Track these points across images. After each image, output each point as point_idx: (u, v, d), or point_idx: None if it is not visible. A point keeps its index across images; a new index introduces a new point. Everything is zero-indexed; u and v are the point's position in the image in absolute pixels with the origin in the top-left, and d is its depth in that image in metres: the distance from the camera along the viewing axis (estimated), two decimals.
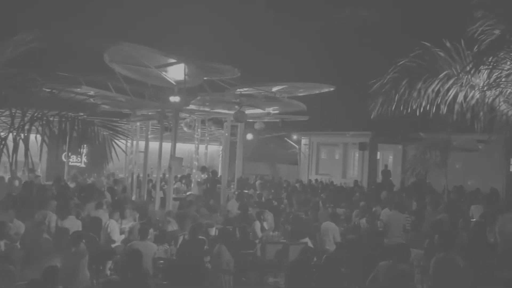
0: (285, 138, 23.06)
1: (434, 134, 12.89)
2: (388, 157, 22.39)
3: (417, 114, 8.26)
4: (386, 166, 20.41)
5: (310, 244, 8.59)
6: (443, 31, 8.41)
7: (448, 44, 7.91)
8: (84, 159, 19.48)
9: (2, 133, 4.74)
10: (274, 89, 12.23)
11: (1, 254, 6.11)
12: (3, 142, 4.62)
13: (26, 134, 4.64)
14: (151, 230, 8.25)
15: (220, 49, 18.98)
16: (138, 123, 14.29)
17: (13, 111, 4.69)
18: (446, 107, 7.96)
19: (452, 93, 7.83)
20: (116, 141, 5.24)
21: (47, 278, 5.36)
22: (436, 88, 7.87)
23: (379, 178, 20.52)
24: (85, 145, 5.38)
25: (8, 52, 5.03)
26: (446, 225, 8.84)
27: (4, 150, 4.73)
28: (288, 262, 7.34)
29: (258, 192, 13.68)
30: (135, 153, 14.80)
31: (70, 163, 18.41)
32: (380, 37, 20.08)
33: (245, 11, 20.90)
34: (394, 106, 7.98)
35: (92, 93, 11.28)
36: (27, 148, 4.56)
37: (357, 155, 21.94)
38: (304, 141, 23.67)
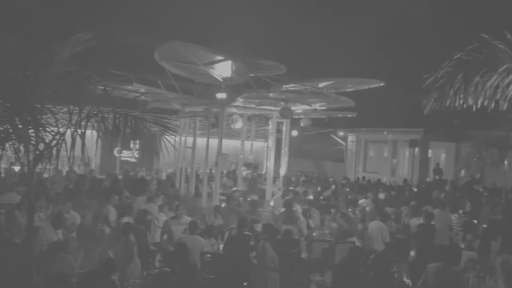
0: (331, 135, 22.72)
1: (491, 131, 12.20)
2: (440, 155, 21.46)
3: (473, 110, 7.82)
4: (438, 164, 19.58)
5: (357, 243, 8.43)
6: (503, 23, 7.88)
7: (509, 36, 7.42)
8: (135, 154, 20.18)
9: (61, 129, 4.98)
10: (321, 85, 12.04)
11: (58, 243, 6.43)
12: (62, 138, 4.85)
13: (83, 130, 4.85)
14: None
15: (266, 45, 18.96)
16: (186, 119, 14.59)
17: (71, 108, 4.92)
18: (506, 103, 7.46)
19: None
20: (166, 137, 5.35)
21: (104, 269, 5.59)
22: (495, 83, 7.39)
23: (430, 177, 19.76)
24: (136, 141, 5.55)
25: (66, 52, 5.27)
26: (506, 227, 8.35)
27: (62, 145, 4.97)
28: (335, 261, 7.22)
29: (303, 189, 13.56)
30: (183, 149, 15.13)
31: (121, 158, 19.14)
32: (434, 30, 19.23)
33: (291, 5, 20.73)
34: (448, 102, 7.58)
35: (142, 90, 11.63)
36: (83, 143, 4.77)
37: (407, 152, 21.22)
38: (351, 138, 23.21)
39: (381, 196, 13.17)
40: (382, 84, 12.44)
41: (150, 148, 5.34)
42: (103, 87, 7.58)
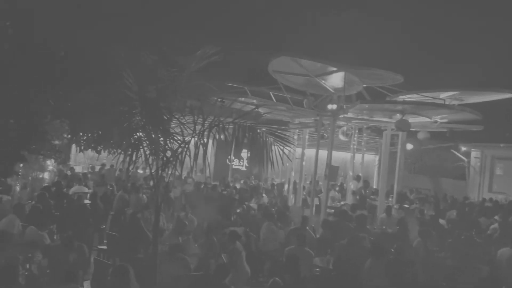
0: (452, 150, 20.88)
1: None
2: None
3: None
4: None
5: (483, 270, 7.56)
6: None
7: None
8: (245, 163, 20.91)
9: (186, 138, 5.35)
10: (443, 95, 11.17)
11: (179, 245, 6.87)
12: (186, 146, 5.20)
13: (205, 140, 5.13)
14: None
15: (381, 54, 18.27)
16: (295, 130, 14.69)
17: (196, 118, 5.25)
18: None
19: None
20: (281, 148, 5.40)
21: (218, 273, 5.82)
22: None
23: None
24: (247, 150, 5.74)
25: (192, 66, 5.65)
26: None
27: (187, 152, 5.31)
28: None
29: (420, 208, 12.64)
30: (293, 160, 15.22)
31: (233, 167, 19.97)
32: None
33: (407, 13, 19.72)
34: None
35: (255, 101, 12.00)
36: (205, 152, 5.04)
37: None
38: (474, 153, 21.06)
39: None
40: None
41: (261, 158, 5.43)
42: (220, 99, 8.00)
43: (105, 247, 8.43)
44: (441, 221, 11.01)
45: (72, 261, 6.30)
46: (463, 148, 20.97)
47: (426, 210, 12.85)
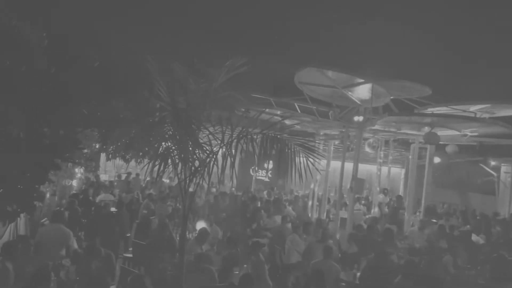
0: (481, 164, 20.30)
1: None
2: None
3: None
4: None
5: None
6: None
7: None
8: (268, 174, 20.87)
9: (214, 148, 5.38)
10: (473, 108, 10.90)
11: (204, 255, 6.86)
12: (214, 156, 5.23)
13: (233, 150, 5.14)
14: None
15: (409, 65, 18.04)
16: (321, 143, 14.58)
17: (224, 129, 5.28)
18: None
19: None
20: (310, 159, 5.35)
21: (243, 283, 5.78)
22: None
23: None
24: (269, 161, 5.70)
25: (220, 77, 5.69)
26: None
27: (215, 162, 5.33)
28: None
29: (449, 224, 12.29)
30: (320, 171, 15.09)
31: (256, 177, 19.95)
32: None
33: (436, 23, 19.45)
34: None
35: (279, 112, 11.98)
36: (233, 162, 5.05)
37: None
38: (505, 168, 20.40)
39: None
40: None
41: (287, 169, 5.39)
42: (246, 110, 8.04)
43: (130, 255, 8.49)
44: (474, 237, 10.67)
45: (99, 268, 6.38)
46: (493, 163, 20.34)
47: (455, 225, 12.50)
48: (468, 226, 13.00)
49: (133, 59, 6.71)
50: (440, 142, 12.02)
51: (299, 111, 12.60)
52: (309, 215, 13.66)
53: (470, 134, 11.47)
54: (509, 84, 16.46)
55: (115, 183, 15.66)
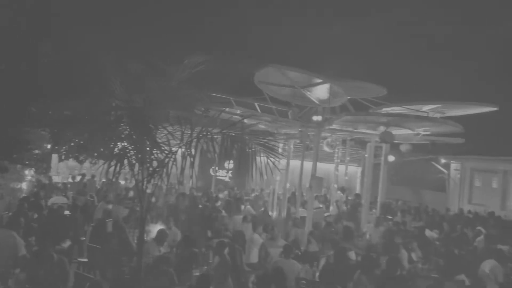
0: (432, 162, 21.21)
1: None
2: None
3: None
4: None
5: (467, 282, 7.63)
6: None
7: None
8: (229, 173, 20.76)
9: (173, 148, 5.25)
10: (425, 108, 11.35)
11: (163, 258, 6.70)
12: (173, 156, 5.11)
13: (192, 150, 5.05)
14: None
15: (365, 66, 18.54)
16: (281, 142, 14.67)
17: (183, 128, 5.17)
18: None
19: None
20: (270, 158, 5.35)
21: (200, 284, 5.69)
22: None
23: None
24: (230, 161, 5.66)
25: (179, 76, 5.58)
26: None
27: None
28: None
29: (402, 220, 12.74)
30: (280, 170, 15.17)
31: (217, 177, 19.80)
32: None
33: (391, 26, 20.11)
34: None
35: (239, 112, 11.95)
36: (193, 163, 4.95)
37: None
38: (454, 166, 21.44)
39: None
40: (495, 109, 11.37)
41: (248, 168, 5.37)
42: (205, 109, 7.93)
43: (85, 260, 8.19)
44: (428, 232, 11.10)
45: (51, 274, 6.08)
46: (443, 160, 21.32)
47: (408, 221, 12.95)
48: (422, 222, 13.53)
49: (88, 56, 6.43)
50: (395, 141, 12.43)
51: (259, 111, 12.63)
52: (269, 214, 13.71)
53: (422, 133, 11.93)
54: (459, 85, 17.29)
55: (69, 185, 15.04)
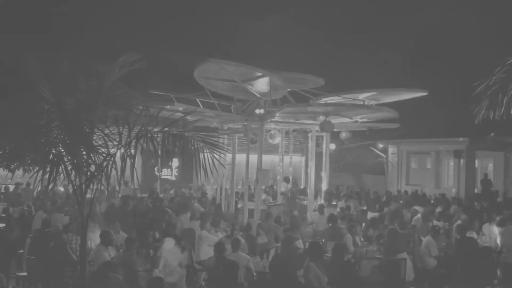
0: (371, 147, 22.19)
1: None
2: (488, 165, 20.49)
3: None
4: (486, 175, 18.68)
5: (408, 259, 8.10)
6: None
7: None
8: (174, 172, 20.42)
9: (111, 150, 5.06)
10: (361, 96, 11.83)
11: (109, 263, 6.47)
12: (112, 159, 4.92)
13: (132, 151, 4.90)
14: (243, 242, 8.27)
15: (303, 58, 18.92)
16: (225, 137, 14.65)
17: (121, 129, 4.99)
18: None
19: None
20: (213, 154, 5.32)
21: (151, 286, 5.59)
22: None
23: (478, 188, 18.84)
24: (175, 159, 5.59)
25: (114, 74, 5.38)
26: None
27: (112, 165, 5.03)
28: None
29: (346, 205, 13.23)
30: (224, 166, 15.13)
31: (162, 177, 19.39)
32: (484, 36, 18.45)
33: (326, 18, 20.68)
34: (502, 110, 7.22)
35: (181, 109, 11.77)
36: (133, 164, 4.81)
37: (451, 163, 20.39)
38: (391, 149, 22.57)
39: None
40: (425, 94, 12.08)
41: (190, 166, 5.32)
42: (144, 108, 7.72)
43: (25, 274, 7.74)
44: (370, 215, 11.59)
45: None
46: (381, 145, 22.38)
47: (352, 206, 13.48)
48: (364, 206, 14.12)
49: (13, 58, 6.02)
50: (335, 130, 12.85)
51: (201, 107, 12.52)
52: (219, 210, 13.66)
53: (360, 120, 12.44)
54: (392, 72, 18.15)
55: (1, 196, 14.08)
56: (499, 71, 7.25)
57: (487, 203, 14.59)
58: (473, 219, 10.92)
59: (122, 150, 4.98)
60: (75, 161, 4.94)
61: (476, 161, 19.66)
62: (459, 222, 10.58)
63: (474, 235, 9.54)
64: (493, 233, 9.99)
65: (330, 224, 9.93)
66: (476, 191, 18.83)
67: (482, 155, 19.64)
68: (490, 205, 14.26)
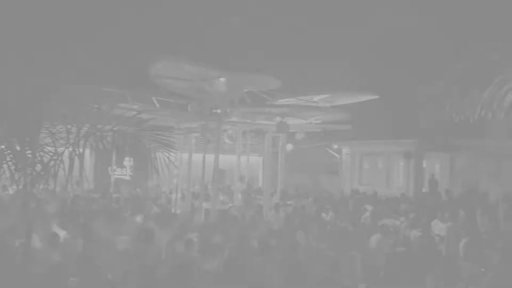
0: (326, 148, 22.72)
1: (487, 141, 12.25)
2: (434, 165, 21.55)
3: (471, 120, 7.85)
4: (433, 175, 19.64)
5: (358, 256, 8.36)
6: (497, 33, 8.01)
7: (502, 46, 7.51)
8: (129, 172, 19.95)
9: (59, 149, 4.88)
10: (316, 98, 12.08)
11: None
12: (60, 158, 4.75)
13: (81, 150, 4.75)
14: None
15: (260, 59, 19.04)
16: (181, 136, 14.49)
17: (69, 127, 4.82)
18: (503, 113, 7.51)
19: (510, 98, 7.40)
20: (164, 154, 5.25)
21: None
22: (492, 93, 7.46)
23: (426, 188, 19.77)
24: (130, 158, 5.47)
25: (63, 70, 5.19)
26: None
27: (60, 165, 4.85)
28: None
29: (301, 204, 13.48)
30: (179, 166, 14.96)
31: (115, 176, 18.87)
32: (430, 41, 19.32)
33: (283, 19, 20.92)
34: (445, 113, 7.63)
35: (136, 107, 11.52)
36: (82, 163, 4.66)
37: (401, 164, 21.27)
38: (345, 150, 23.22)
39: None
40: (376, 97, 12.53)
41: (145, 165, 5.23)
42: (96, 105, 7.50)
43: None
44: (324, 214, 11.88)
45: None
46: (335, 146, 22.97)
47: (306, 205, 13.75)
48: (318, 204, 14.41)
49: None
50: (290, 131, 13.05)
51: (157, 105, 12.30)
52: (173, 210, 13.50)
53: (315, 122, 12.71)
54: (345, 75, 18.63)
55: None
56: (446, 75, 7.65)
57: (433, 201, 15.36)
58: (420, 216, 11.45)
59: (70, 149, 4.81)
60: (19, 160, 4.72)
61: (424, 161, 20.63)
62: (407, 220, 11.07)
63: (421, 232, 10.00)
64: (437, 229, 10.53)
65: (285, 223, 10.08)
66: (423, 190, 19.76)
67: (429, 156, 20.64)
68: (435, 203, 15.01)
